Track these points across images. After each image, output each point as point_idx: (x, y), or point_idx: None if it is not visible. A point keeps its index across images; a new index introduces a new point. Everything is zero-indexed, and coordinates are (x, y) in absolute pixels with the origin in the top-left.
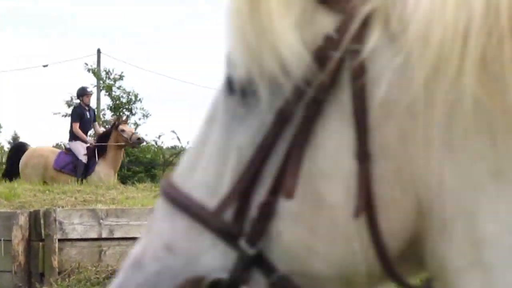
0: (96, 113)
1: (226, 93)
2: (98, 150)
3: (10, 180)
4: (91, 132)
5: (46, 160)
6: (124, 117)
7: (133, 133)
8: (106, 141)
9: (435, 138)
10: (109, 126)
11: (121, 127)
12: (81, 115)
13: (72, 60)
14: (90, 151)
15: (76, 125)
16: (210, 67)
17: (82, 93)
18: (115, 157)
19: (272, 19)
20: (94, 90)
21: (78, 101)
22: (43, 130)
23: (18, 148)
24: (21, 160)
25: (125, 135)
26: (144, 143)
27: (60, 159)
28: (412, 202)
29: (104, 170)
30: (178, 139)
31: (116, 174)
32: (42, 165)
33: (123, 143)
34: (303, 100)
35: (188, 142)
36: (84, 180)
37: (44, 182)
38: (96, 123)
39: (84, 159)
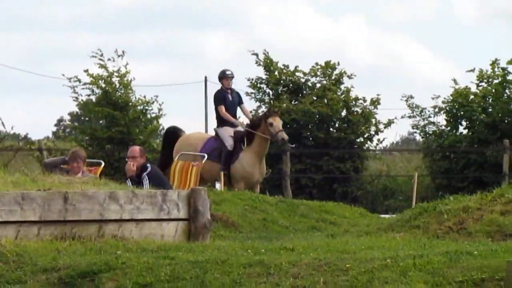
0: (240, 95)
1: None
2: (246, 136)
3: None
4: (240, 115)
5: (195, 147)
6: (276, 109)
7: (280, 130)
8: (255, 129)
9: None
10: (261, 115)
11: (270, 119)
12: (223, 99)
13: None
14: (238, 136)
15: (222, 108)
16: None
17: (221, 76)
18: (261, 148)
19: None
20: None
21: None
22: None
23: (171, 134)
24: (174, 148)
25: (271, 129)
26: (289, 145)
27: (207, 146)
28: None
29: (247, 159)
30: (3, 124)
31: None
32: (192, 152)
33: (268, 137)
34: None
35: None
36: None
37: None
38: (244, 105)
39: (230, 146)
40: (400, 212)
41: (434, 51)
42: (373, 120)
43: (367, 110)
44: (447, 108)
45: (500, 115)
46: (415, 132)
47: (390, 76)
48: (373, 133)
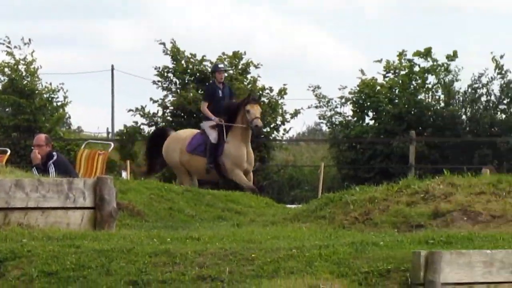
0: (232, 90)
1: None
2: (226, 129)
3: (150, 173)
4: None
5: (183, 143)
6: (256, 96)
7: (256, 117)
8: (234, 116)
9: None
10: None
11: (248, 106)
12: (213, 94)
13: None
14: (218, 131)
15: (205, 105)
16: None
17: (214, 69)
18: (243, 136)
19: None
20: None
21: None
22: None
23: (157, 137)
24: (163, 148)
25: (248, 117)
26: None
27: (194, 141)
28: None
29: (234, 147)
30: None
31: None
32: (179, 149)
33: (244, 125)
34: None
35: None
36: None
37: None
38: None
39: (214, 139)
40: (306, 202)
41: (342, 41)
42: (280, 110)
43: (274, 100)
44: (354, 98)
45: (406, 106)
46: (322, 123)
47: (297, 66)
48: (280, 123)
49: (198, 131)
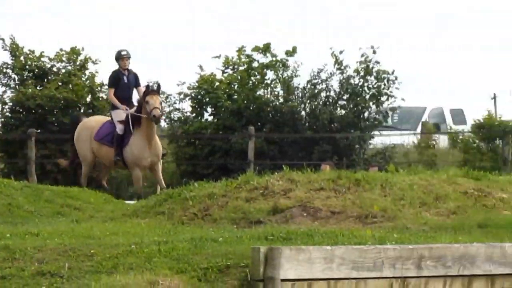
0: (138, 77)
1: None
2: (132, 120)
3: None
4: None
5: (92, 131)
6: (156, 86)
7: (154, 108)
8: (141, 110)
9: None
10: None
11: (147, 97)
12: (117, 80)
13: None
14: (125, 121)
15: (111, 91)
16: None
17: (117, 56)
18: (148, 129)
19: None
20: None
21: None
22: None
23: (72, 123)
24: (74, 134)
25: (147, 108)
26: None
27: (102, 130)
28: None
29: (136, 142)
30: None
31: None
32: (89, 137)
33: (145, 116)
34: None
35: None
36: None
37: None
38: (140, 88)
39: (120, 130)
40: (145, 198)
41: (180, 37)
42: None
43: None
44: (193, 94)
45: (245, 102)
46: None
47: (137, 61)
48: None
49: (108, 119)
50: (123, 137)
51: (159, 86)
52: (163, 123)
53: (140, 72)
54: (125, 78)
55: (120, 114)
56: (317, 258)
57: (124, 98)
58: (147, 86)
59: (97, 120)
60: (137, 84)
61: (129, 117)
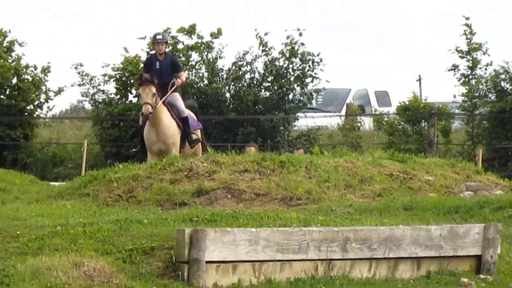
0: (176, 62)
1: None
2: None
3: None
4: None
5: None
6: (149, 76)
7: (145, 103)
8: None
9: None
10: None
11: (140, 90)
12: (149, 65)
13: None
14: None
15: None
16: None
17: (153, 41)
18: (152, 117)
19: None
20: None
21: None
22: None
23: None
24: None
25: (140, 101)
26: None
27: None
28: None
29: (147, 130)
30: None
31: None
32: None
33: None
34: None
35: None
36: None
37: None
38: (182, 73)
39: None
40: (70, 179)
41: (106, 17)
42: (43, 88)
43: (38, 77)
44: (118, 76)
45: None
46: (85, 100)
47: (61, 44)
48: (43, 100)
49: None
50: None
51: (152, 76)
52: (87, 105)
53: (65, 55)
54: (157, 63)
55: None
56: (242, 240)
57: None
58: (141, 76)
59: None
60: (174, 69)
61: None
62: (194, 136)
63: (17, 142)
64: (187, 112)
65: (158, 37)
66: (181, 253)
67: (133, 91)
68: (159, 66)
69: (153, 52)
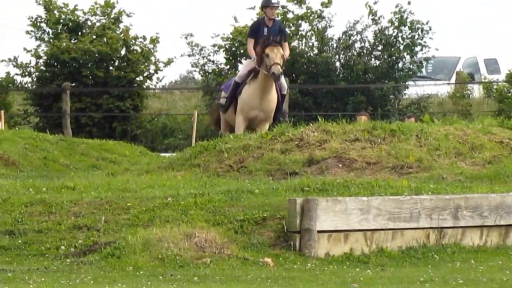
0: (284, 30)
1: None
2: (251, 72)
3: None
4: None
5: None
6: (278, 37)
7: (274, 63)
8: (261, 62)
9: None
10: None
11: (267, 50)
12: (256, 30)
13: None
14: (250, 69)
15: (250, 43)
16: None
17: (265, 4)
18: (263, 83)
19: None
20: None
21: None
22: None
23: None
24: None
25: (267, 62)
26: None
27: (229, 81)
28: None
29: (247, 92)
30: None
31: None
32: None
33: (265, 72)
34: None
35: None
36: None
37: None
38: (285, 44)
39: (238, 77)
40: (180, 150)
41: None
42: (153, 59)
43: (147, 48)
44: (227, 46)
45: None
46: (195, 71)
47: (170, 14)
48: (153, 71)
49: None
50: (238, 85)
51: (281, 37)
52: (197, 76)
53: (174, 25)
54: (265, 29)
55: (249, 64)
56: (353, 209)
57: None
58: (268, 38)
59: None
60: (281, 38)
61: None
62: (281, 118)
63: (127, 113)
64: (287, 90)
65: (273, 0)
66: (292, 223)
67: (243, 61)
68: (267, 33)
69: (261, 17)
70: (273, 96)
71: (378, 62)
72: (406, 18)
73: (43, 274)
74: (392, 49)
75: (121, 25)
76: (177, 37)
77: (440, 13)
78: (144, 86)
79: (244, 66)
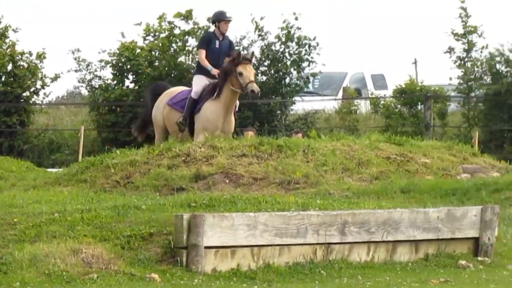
0: (233, 45)
1: None
2: (216, 87)
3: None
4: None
5: (169, 97)
6: (249, 54)
7: (251, 81)
8: (226, 79)
9: None
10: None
11: (239, 68)
12: (208, 42)
13: None
14: (210, 87)
15: (202, 53)
16: None
17: (220, 18)
18: (228, 100)
19: None
20: None
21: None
22: None
23: (159, 88)
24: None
25: (240, 80)
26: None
27: (178, 95)
28: None
29: (211, 109)
30: None
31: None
32: (163, 104)
33: (236, 89)
34: None
35: None
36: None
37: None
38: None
39: (194, 94)
40: (67, 166)
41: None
42: (39, 74)
43: (33, 64)
44: (114, 61)
45: (166, 69)
46: (81, 86)
47: (57, 30)
48: (40, 87)
49: (189, 88)
50: (197, 103)
51: (253, 54)
52: (84, 91)
53: (61, 40)
54: (217, 42)
55: (202, 80)
56: (240, 224)
57: (212, 65)
58: (239, 53)
59: (179, 89)
60: (229, 51)
61: (215, 84)
62: None
63: (14, 129)
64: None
65: (228, 15)
66: (179, 238)
67: (130, 76)
68: (219, 46)
69: (211, 31)
70: (233, 117)
71: (265, 78)
72: (293, 33)
73: None
74: (279, 65)
75: (7, 40)
76: (64, 53)
77: (327, 29)
78: (31, 102)
79: (196, 82)
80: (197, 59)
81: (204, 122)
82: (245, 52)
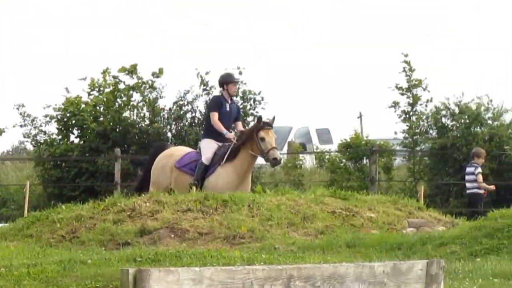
0: (239, 109)
1: None
2: (230, 150)
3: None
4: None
5: (174, 159)
6: (271, 120)
7: (272, 147)
8: (245, 143)
9: None
10: (251, 127)
11: (262, 133)
12: (219, 105)
13: None
14: (221, 151)
15: (215, 115)
16: None
17: (228, 80)
18: (244, 164)
19: None
20: None
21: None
22: None
23: (158, 149)
24: (154, 162)
25: (262, 145)
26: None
27: (185, 158)
28: None
29: (224, 175)
30: None
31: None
32: (170, 166)
33: (255, 154)
34: None
35: None
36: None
37: (171, 189)
38: (240, 122)
39: (206, 160)
40: (13, 221)
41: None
42: None
43: None
44: (59, 117)
45: (111, 124)
46: (27, 141)
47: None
48: None
49: (194, 150)
50: (208, 168)
51: (274, 119)
52: (29, 146)
53: (5, 95)
54: (227, 106)
55: (211, 144)
56: (186, 279)
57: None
58: (259, 118)
59: (181, 149)
60: (237, 117)
61: (228, 149)
62: None
63: None
64: None
65: (236, 76)
66: None
67: (75, 131)
68: (229, 109)
69: (218, 94)
70: (249, 179)
71: None
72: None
73: None
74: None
75: None
76: (9, 107)
77: (272, 84)
78: None
79: (206, 146)
80: (204, 123)
81: (215, 188)
82: (267, 119)
